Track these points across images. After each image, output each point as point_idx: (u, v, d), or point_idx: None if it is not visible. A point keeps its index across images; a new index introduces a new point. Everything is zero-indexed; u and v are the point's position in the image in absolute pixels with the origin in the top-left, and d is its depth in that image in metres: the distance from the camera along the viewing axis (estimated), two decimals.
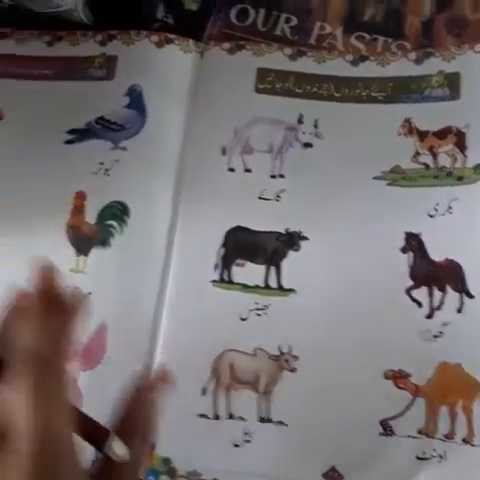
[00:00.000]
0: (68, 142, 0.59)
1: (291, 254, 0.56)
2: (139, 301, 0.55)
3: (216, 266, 0.55)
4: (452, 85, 0.57)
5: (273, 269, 0.55)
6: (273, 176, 0.58)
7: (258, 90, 0.60)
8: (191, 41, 0.62)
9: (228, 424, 0.52)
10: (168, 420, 0.49)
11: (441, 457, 0.50)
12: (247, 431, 0.51)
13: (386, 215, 0.55)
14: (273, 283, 0.55)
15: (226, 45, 0.62)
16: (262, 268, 0.55)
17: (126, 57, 0.62)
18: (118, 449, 0.32)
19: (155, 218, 0.57)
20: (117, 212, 0.56)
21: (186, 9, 0.65)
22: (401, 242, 0.54)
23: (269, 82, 0.60)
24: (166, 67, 0.61)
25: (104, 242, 0.56)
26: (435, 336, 0.52)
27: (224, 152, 0.59)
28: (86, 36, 0.63)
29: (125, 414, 0.36)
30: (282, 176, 0.58)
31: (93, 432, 0.32)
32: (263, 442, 0.51)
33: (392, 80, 0.59)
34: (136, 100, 0.60)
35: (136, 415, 0.36)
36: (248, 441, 0.51)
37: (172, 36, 0.62)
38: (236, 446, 0.51)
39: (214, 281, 0.55)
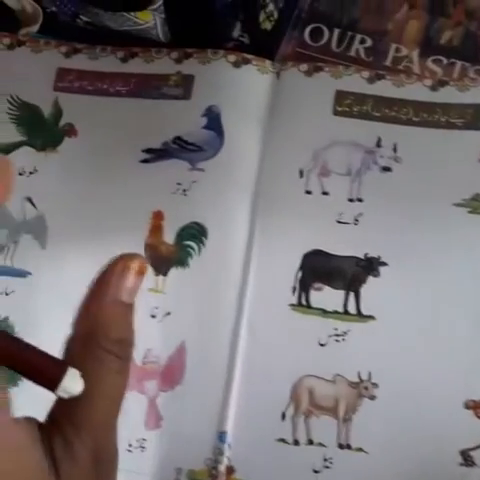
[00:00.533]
0: (144, 161, 0.61)
1: (370, 280, 0.56)
2: (217, 322, 0.56)
3: (294, 289, 0.56)
4: None
5: (352, 294, 0.56)
6: (351, 199, 0.59)
7: (336, 113, 0.61)
8: (268, 62, 0.63)
9: (308, 450, 0.53)
10: (247, 444, 0.51)
11: None
12: (327, 457, 0.52)
13: (467, 243, 0.56)
14: (352, 309, 0.56)
15: (303, 66, 0.63)
16: (341, 293, 0.56)
17: (203, 77, 0.63)
18: (72, 387, 0.28)
19: (232, 240, 0.58)
20: (195, 233, 0.58)
21: (262, 29, 0.66)
22: None
23: (347, 105, 0.61)
24: (243, 88, 0.62)
25: (182, 262, 0.57)
26: None
27: (301, 174, 0.59)
28: (161, 53, 0.64)
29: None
30: (360, 200, 0.59)
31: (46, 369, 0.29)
32: (343, 469, 0.52)
33: (472, 107, 0.60)
34: (214, 121, 0.61)
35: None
36: (327, 467, 0.52)
37: (250, 56, 0.63)
38: (316, 472, 0.52)
39: (292, 305, 0.56)
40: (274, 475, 0.52)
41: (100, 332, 0.31)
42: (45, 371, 0.29)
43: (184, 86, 0.63)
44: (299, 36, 0.68)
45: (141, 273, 0.33)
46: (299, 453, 0.53)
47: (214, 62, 0.63)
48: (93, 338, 0.31)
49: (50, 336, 0.53)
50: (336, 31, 0.68)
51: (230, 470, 0.52)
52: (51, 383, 0.28)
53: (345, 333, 0.55)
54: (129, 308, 0.32)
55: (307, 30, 0.68)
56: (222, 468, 0.52)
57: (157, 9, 0.60)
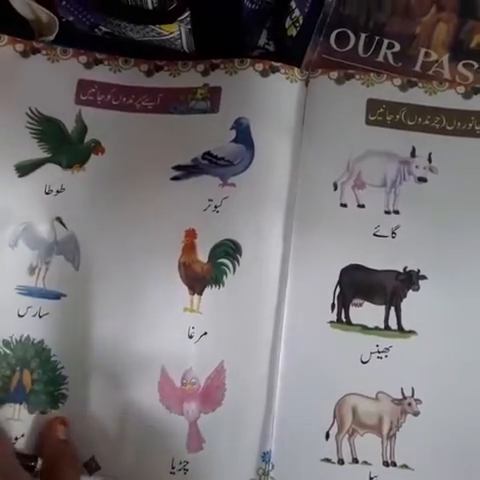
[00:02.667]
0: (175, 178, 0.63)
1: (410, 294, 0.59)
2: (255, 341, 0.59)
3: (333, 306, 0.59)
4: None
5: (392, 309, 0.59)
6: (387, 212, 0.62)
7: (369, 122, 0.64)
8: (296, 69, 0.66)
9: (353, 469, 0.56)
10: (291, 464, 0.54)
11: None
12: (372, 475, 0.56)
13: None
14: (393, 324, 0.59)
15: (334, 74, 0.65)
16: (381, 308, 0.59)
17: (230, 88, 0.65)
18: None
19: (267, 256, 0.61)
20: (229, 250, 0.60)
21: (288, 35, 0.68)
22: None
23: (380, 114, 0.64)
24: (272, 98, 0.65)
25: (217, 281, 0.60)
26: None
27: (336, 187, 0.62)
28: (187, 66, 0.67)
29: None
30: (397, 212, 0.62)
31: None
32: None
33: None
34: (243, 134, 0.63)
35: None
36: None
37: (278, 64, 0.65)
38: None
39: (332, 322, 0.59)
40: None
41: None
42: None
43: (211, 99, 0.65)
44: (325, 42, 0.71)
45: None
46: (344, 472, 0.56)
47: (241, 72, 0.66)
48: None
49: (86, 357, 0.57)
50: (362, 36, 0.71)
51: None
52: None
53: (387, 349, 0.58)
54: None
55: (333, 35, 0.71)
56: None
57: (183, 20, 0.63)
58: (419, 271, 0.60)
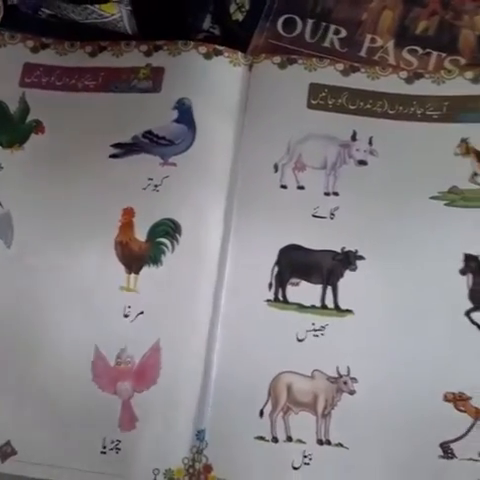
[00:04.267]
0: (113, 156, 0.66)
1: (347, 274, 0.63)
2: (193, 320, 0.62)
3: (270, 285, 0.63)
4: None
5: (329, 289, 0.62)
6: (327, 193, 0.65)
7: (311, 106, 0.68)
8: (240, 54, 0.69)
9: (287, 446, 0.59)
10: (225, 442, 0.57)
11: None
12: (306, 454, 0.58)
13: (444, 236, 0.63)
14: (330, 303, 0.62)
15: (277, 59, 0.69)
16: (318, 288, 0.63)
17: (173, 69, 0.69)
18: None
19: (207, 236, 0.64)
20: (169, 230, 0.63)
21: (233, 20, 0.72)
22: (460, 264, 0.62)
23: (322, 98, 0.68)
24: (215, 80, 0.68)
25: (155, 260, 0.63)
26: None
27: (276, 169, 0.66)
28: (130, 46, 0.70)
29: None
30: (336, 194, 0.65)
31: None
32: (322, 464, 0.58)
33: (448, 99, 0.67)
34: (185, 114, 0.67)
35: None
36: (307, 464, 0.58)
37: (221, 48, 0.69)
38: (295, 469, 0.58)
39: (269, 300, 0.62)
40: (253, 473, 0.58)
41: None
42: None
43: (154, 79, 0.69)
44: (272, 27, 0.74)
45: None
46: (278, 450, 0.58)
47: (184, 54, 0.69)
48: None
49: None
50: (310, 21, 0.75)
51: (208, 468, 0.58)
52: None
53: (323, 328, 0.61)
54: None
55: (280, 21, 0.75)
56: (200, 466, 0.58)
57: (122, 1, 0.66)
58: (357, 251, 0.63)
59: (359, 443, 0.59)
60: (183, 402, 0.60)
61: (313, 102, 0.68)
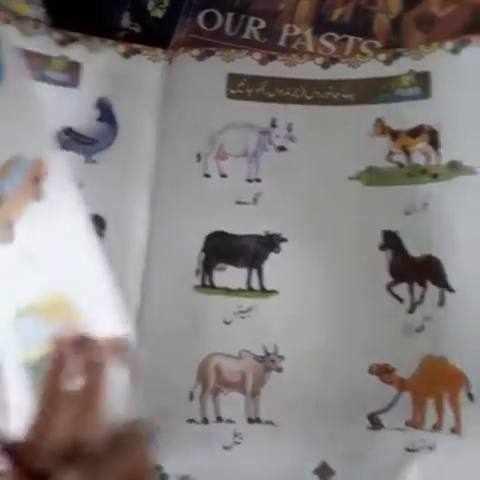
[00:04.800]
0: None
1: (272, 256, 0.65)
2: (120, 314, 0.63)
3: (197, 271, 0.65)
4: (423, 84, 0.67)
5: (255, 272, 0.65)
6: (249, 180, 0.67)
7: (230, 96, 0.70)
8: (159, 50, 0.71)
9: (217, 427, 0.61)
10: (158, 428, 0.58)
11: (430, 448, 0.59)
12: (236, 433, 0.60)
13: (363, 214, 0.65)
14: (256, 285, 0.64)
15: (195, 51, 0.71)
16: (244, 271, 0.65)
17: (91, 65, 0.70)
18: None
19: (132, 229, 0.66)
20: (93, 225, 0.65)
21: (152, 17, 0.74)
22: (379, 240, 0.64)
23: (241, 87, 0.70)
24: (135, 78, 0.70)
25: None
26: (417, 330, 0.61)
27: (199, 158, 0.68)
28: (40, 28, 0.69)
29: None
30: (258, 180, 0.67)
31: None
32: (253, 443, 0.60)
33: (362, 82, 0.69)
34: (106, 112, 0.69)
35: None
36: (238, 443, 0.60)
37: (139, 46, 0.71)
38: (226, 449, 0.60)
39: (196, 286, 0.64)
40: (184, 455, 0.60)
41: None
42: None
43: (71, 73, 0.69)
44: (193, 22, 0.77)
45: None
46: (209, 431, 0.60)
47: (103, 52, 0.70)
48: None
49: None
50: (229, 15, 0.77)
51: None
52: None
53: (250, 309, 0.63)
54: None
55: (201, 15, 0.77)
56: None
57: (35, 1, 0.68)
58: (280, 234, 0.65)
59: (288, 419, 0.61)
60: (113, 394, 0.61)
61: (232, 92, 0.70)
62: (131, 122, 0.69)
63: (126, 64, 0.70)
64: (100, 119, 0.69)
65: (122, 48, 0.71)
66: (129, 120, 0.69)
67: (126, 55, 0.71)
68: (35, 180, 0.54)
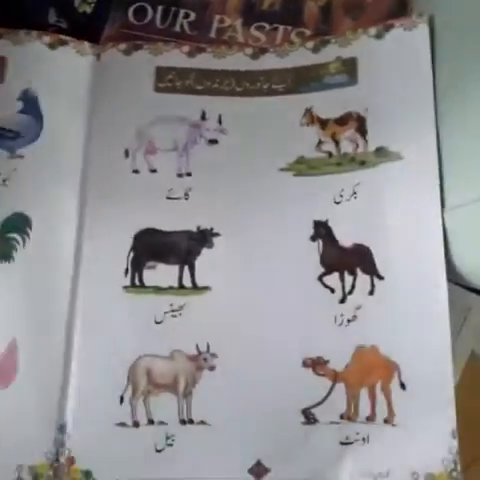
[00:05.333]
0: None
1: (204, 252, 0.64)
2: (49, 316, 0.62)
3: (126, 271, 0.63)
4: (349, 70, 0.67)
5: (187, 268, 0.63)
6: (180, 175, 0.66)
7: (158, 89, 0.69)
8: (87, 43, 0.70)
9: (148, 430, 0.59)
10: (86, 432, 0.57)
11: (364, 440, 0.58)
12: (169, 435, 0.59)
13: (294, 205, 0.64)
14: (187, 282, 0.63)
15: (122, 46, 0.70)
16: (175, 269, 0.64)
17: (16, 58, 0.68)
18: None
19: (60, 227, 0.64)
20: (18, 224, 0.64)
21: (80, 12, 0.73)
22: (310, 231, 0.63)
23: (169, 80, 0.69)
24: (61, 70, 0.69)
25: (6, 256, 0.63)
26: (349, 320, 0.61)
27: (127, 154, 0.67)
28: None
29: None
30: (189, 174, 0.66)
31: None
32: (186, 444, 0.59)
33: (291, 71, 0.68)
34: (31, 105, 0.67)
35: None
36: (170, 445, 0.59)
37: (67, 38, 0.69)
38: (158, 451, 0.59)
39: (125, 287, 0.63)
40: (115, 460, 0.58)
41: None
42: None
43: None
44: (123, 16, 0.75)
45: None
46: (140, 434, 0.59)
47: (28, 44, 0.69)
48: None
49: None
50: (159, 8, 0.76)
51: (71, 460, 0.58)
52: None
53: (181, 307, 0.62)
54: None
55: (131, 10, 0.76)
56: (63, 460, 0.58)
57: None
58: (212, 229, 0.64)
59: (221, 418, 0.60)
60: (43, 398, 0.60)
61: (160, 85, 0.69)
62: (57, 116, 0.67)
63: (52, 55, 0.69)
64: (23, 111, 0.67)
65: (48, 39, 0.69)
66: (55, 114, 0.67)
67: (52, 46, 0.69)
68: None
